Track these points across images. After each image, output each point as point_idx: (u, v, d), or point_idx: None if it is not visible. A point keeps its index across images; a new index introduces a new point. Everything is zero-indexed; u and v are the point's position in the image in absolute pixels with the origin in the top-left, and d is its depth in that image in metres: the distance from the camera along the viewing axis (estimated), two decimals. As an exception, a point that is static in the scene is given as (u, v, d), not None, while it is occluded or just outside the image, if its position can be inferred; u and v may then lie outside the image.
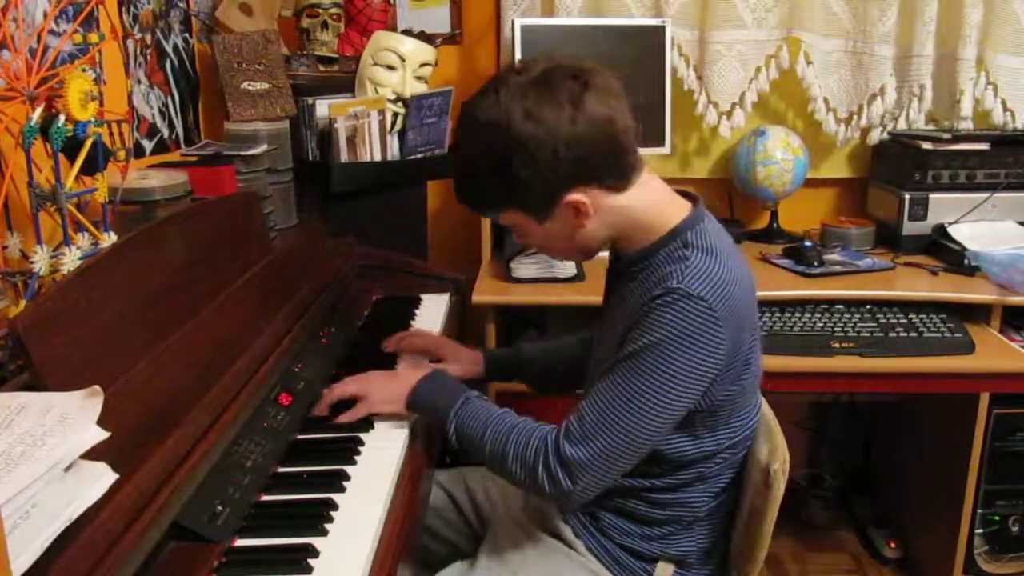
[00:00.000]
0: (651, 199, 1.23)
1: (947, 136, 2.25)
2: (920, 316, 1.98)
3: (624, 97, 1.19)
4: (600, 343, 1.35)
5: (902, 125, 2.42)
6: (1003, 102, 2.37)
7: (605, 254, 1.33)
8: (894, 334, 1.93)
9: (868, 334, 1.93)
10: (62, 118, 1.17)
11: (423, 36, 2.32)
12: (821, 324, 1.97)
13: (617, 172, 1.19)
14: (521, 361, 1.58)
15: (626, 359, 1.15)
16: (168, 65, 1.95)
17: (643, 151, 1.25)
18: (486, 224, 2.24)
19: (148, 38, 1.85)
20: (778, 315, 1.99)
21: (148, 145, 1.84)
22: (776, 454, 1.22)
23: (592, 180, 1.17)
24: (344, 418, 1.33)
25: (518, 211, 1.22)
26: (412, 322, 1.82)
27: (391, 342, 1.61)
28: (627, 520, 1.30)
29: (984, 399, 1.96)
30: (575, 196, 1.17)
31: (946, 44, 2.35)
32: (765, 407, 1.33)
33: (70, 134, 1.18)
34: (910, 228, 2.29)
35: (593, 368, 1.38)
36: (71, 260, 1.18)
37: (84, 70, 1.23)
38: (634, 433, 1.15)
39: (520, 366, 1.58)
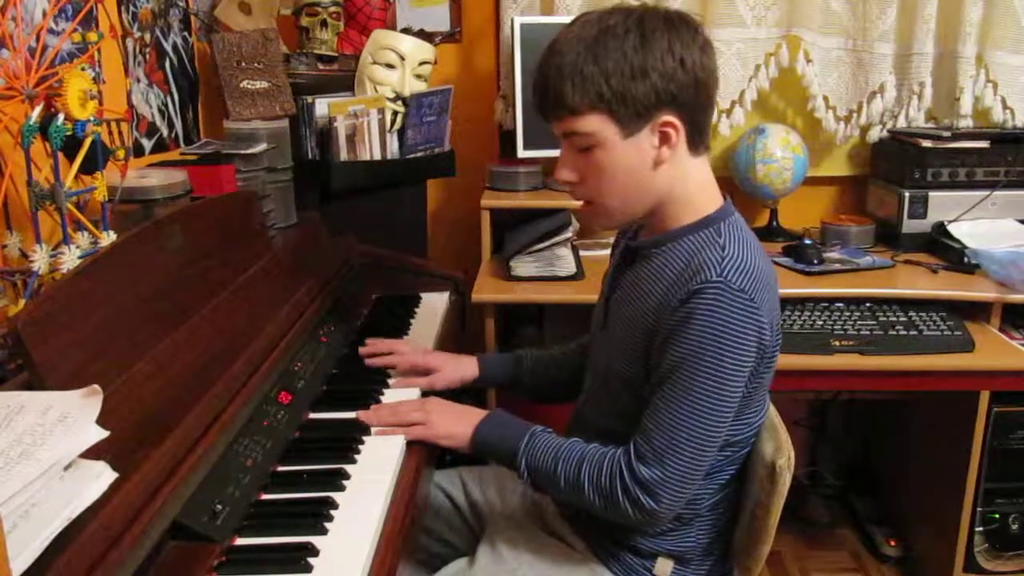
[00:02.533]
0: (704, 181, 1.24)
1: (947, 134, 2.26)
2: (920, 314, 1.98)
3: None
4: (605, 329, 1.33)
5: (902, 123, 2.41)
6: (1003, 100, 2.37)
7: (605, 252, 1.32)
8: (894, 332, 1.93)
9: (868, 332, 1.93)
10: (61, 117, 1.17)
11: (422, 34, 2.32)
12: (821, 322, 1.97)
13: (702, 127, 1.20)
14: (520, 371, 1.55)
15: (678, 367, 1.14)
16: (167, 64, 1.94)
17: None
18: (486, 223, 2.24)
19: (147, 37, 1.85)
20: (778, 313, 1.99)
21: (147, 144, 1.84)
22: (781, 450, 1.22)
23: (689, 115, 1.17)
24: (402, 432, 1.30)
25: (609, 116, 1.15)
26: (412, 320, 1.82)
27: (374, 362, 1.53)
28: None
29: (984, 397, 1.96)
30: (673, 117, 1.16)
31: (946, 42, 2.35)
32: (770, 406, 1.32)
33: (69, 133, 1.18)
34: (910, 226, 2.29)
35: (594, 357, 1.38)
36: (70, 259, 1.18)
37: (83, 69, 1.23)
38: (705, 437, 1.15)
39: (519, 376, 1.56)
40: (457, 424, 1.32)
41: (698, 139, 1.20)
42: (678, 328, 1.14)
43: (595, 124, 1.16)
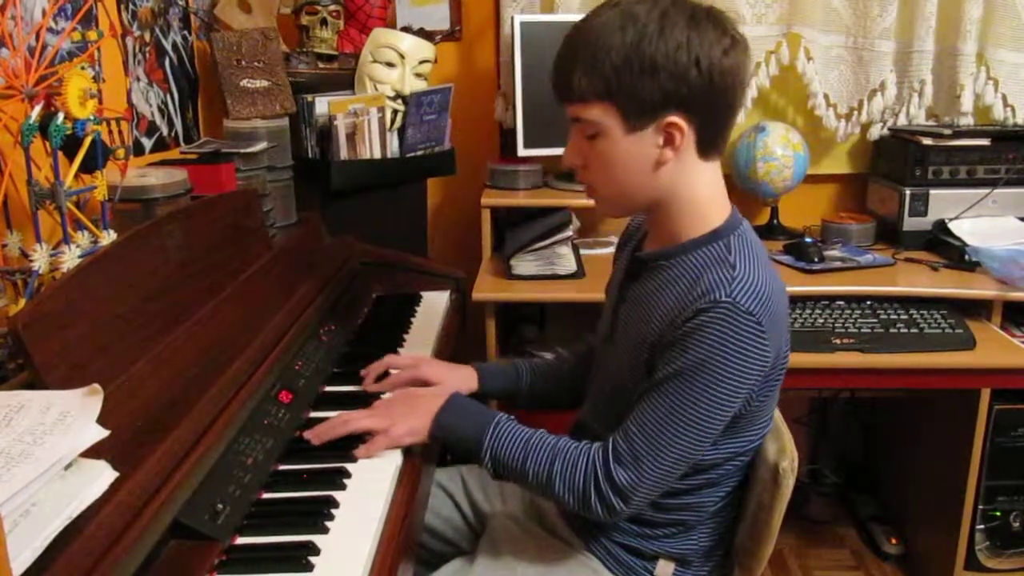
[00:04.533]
0: (713, 188, 1.20)
1: (947, 132, 2.25)
2: (921, 312, 1.98)
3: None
4: (611, 343, 1.32)
5: (902, 121, 2.41)
6: (1003, 97, 2.37)
7: (609, 251, 1.31)
8: (895, 330, 1.93)
9: (869, 330, 1.93)
10: (61, 116, 1.17)
11: (422, 33, 2.32)
12: (822, 320, 1.97)
13: (716, 131, 1.16)
14: (519, 383, 1.52)
15: (674, 377, 1.12)
16: (167, 63, 1.94)
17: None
18: (486, 221, 2.24)
19: (147, 36, 1.85)
20: (779, 311, 1.99)
21: (147, 143, 1.84)
22: (784, 452, 1.21)
23: (699, 119, 1.13)
24: (361, 452, 1.24)
25: (614, 108, 1.12)
26: (412, 319, 1.82)
27: (369, 383, 1.47)
28: (629, 521, 1.29)
29: (985, 395, 1.96)
30: (679, 119, 1.11)
31: (946, 39, 2.35)
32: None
33: (69, 132, 1.18)
34: (911, 224, 2.29)
35: (599, 368, 1.36)
36: (71, 258, 1.18)
37: (83, 68, 1.23)
38: (685, 450, 1.14)
39: (518, 388, 1.52)
40: (414, 416, 1.27)
41: (709, 143, 1.16)
42: (681, 340, 1.11)
43: (600, 114, 1.14)
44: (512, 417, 1.26)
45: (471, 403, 1.30)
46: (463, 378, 1.48)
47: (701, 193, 1.18)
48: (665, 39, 1.08)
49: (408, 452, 1.28)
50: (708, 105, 1.12)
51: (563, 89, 1.17)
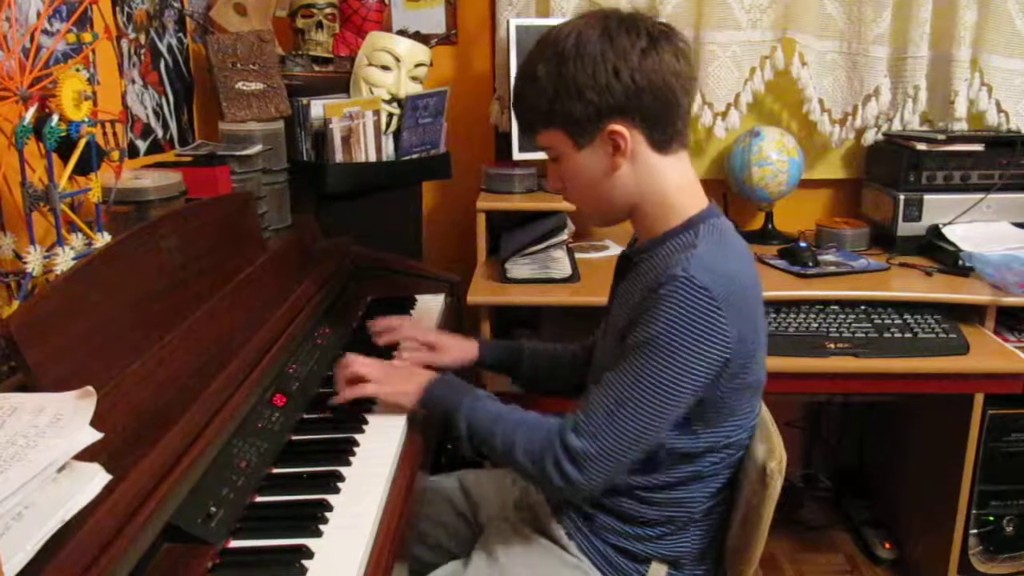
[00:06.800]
0: (683, 178, 1.24)
1: (941, 137, 2.26)
2: (914, 317, 1.99)
3: (695, 74, 1.21)
4: (604, 338, 1.35)
5: (896, 126, 2.42)
6: (997, 103, 2.38)
7: (612, 253, 1.33)
8: (888, 335, 1.93)
9: (863, 335, 1.94)
10: (55, 118, 1.17)
11: (418, 36, 2.32)
12: (816, 325, 1.97)
13: (664, 126, 1.20)
14: (519, 360, 1.57)
15: (631, 351, 1.16)
16: (162, 65, 1.94)
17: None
18: (481, 225, 2.24)
19: (142, 38, 1.85)
20: (773, 316, 1.99)
21: (142, 145, 1.84)
22: (773, 453, 1.22)
23: (639, 119, 1.18)
24: (348, 393, 1.36)
25: (561, 131, 1.21)
26: (407, 323, 1.81)
27: (384, 335, 1.60)
28: (621, 521, 1.30)
29: (978, 400, 1.96)
30: (618, 127, 1.18)
31: (940, 45, 2.36)
32: (763, 408, 1.32)
33: (64, 134, 1.18)
34: (904, 229, 2.29)
35: (594, 367, 1.37)
36: (64, 260, 1.18)
37: (78, 70, 1.23)
38: (641, 425, 1.16)
39: (517, 364, 1.58)
40: (407, 383, 1.36)
41: (661, 138, 1.21)
42: (639, 317, 1.16)
43: (552, 140, 1.24)
44: (494, 396, 1.32)
45: (460, 381, 1.36)
46: (464, 346, 1.57)
47: (668, 186, 1.23)
48: (582, 59, 1.16)
49: (402, 456, 1.28)
50: (642, 106, 1.17)
51: (519, 123, 1.29)
